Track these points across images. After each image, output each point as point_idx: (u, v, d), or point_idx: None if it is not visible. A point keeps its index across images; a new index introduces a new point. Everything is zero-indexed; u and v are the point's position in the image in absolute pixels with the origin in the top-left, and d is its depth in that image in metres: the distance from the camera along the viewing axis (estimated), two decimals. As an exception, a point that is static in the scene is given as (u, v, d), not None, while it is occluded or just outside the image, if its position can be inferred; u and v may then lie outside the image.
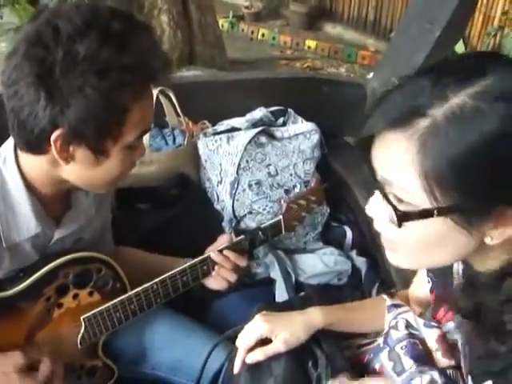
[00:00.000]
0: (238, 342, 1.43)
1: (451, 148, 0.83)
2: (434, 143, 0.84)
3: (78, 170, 1.40)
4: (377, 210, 1.00)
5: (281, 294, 2.20)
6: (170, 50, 5.28)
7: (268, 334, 1.40)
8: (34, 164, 1.42)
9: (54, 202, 1.53)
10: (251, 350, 1.40)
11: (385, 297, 1.49)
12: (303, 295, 2.11)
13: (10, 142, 1.47)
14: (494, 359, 0.98)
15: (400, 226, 0.92)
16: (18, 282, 1.50)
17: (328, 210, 2.48)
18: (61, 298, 1.56)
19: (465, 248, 0.95)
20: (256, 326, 1.42)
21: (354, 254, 2.42)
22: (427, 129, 0.85)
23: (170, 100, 2.42)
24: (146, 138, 2.29)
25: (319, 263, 2.32)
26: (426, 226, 0.91)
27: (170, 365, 1.88)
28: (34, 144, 1.35)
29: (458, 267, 1.19)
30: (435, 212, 0.88)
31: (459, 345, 1.19)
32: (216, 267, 1.75)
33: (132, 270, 1.68)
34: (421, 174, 0.86)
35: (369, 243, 2.26)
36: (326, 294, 2.20)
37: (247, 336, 1.42)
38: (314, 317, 1.44)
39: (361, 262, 2.36)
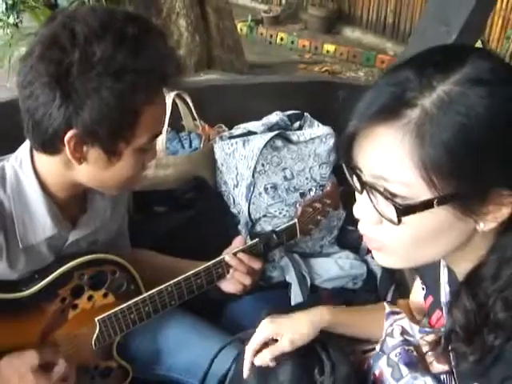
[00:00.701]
0: (246, 347, 1.44)
1: (444, 134, 0.83)
2: (427, 131, 0.84)
3: (90, 170, 1.41)
4: (365, 210, 0.97)
5: (296, 297, 2.20)
6: (188, 53, 5.30)
7: (273, 334, 1.41)
8: (49, 166, 1.44)
9: (69, 205, 1.55)
10: (258, 352, 1.42)
11: (384, 304, 1.51)
12: (313, 298, 2.12)
13: (25, 146, 1.49)
14: (477, 365, 1.00)
15: (399, 221, 0.90)
16: (33, 283, 1.51)
17: (344, 214, 2.48)
18: (76, 300, 1.57)
19: (459, 237, 0.95)
20: (261, 329, 1.44)
21: (369, 257, 2.42)
22: (419, 118, 0.85)
23: (186, 104, 2.44)
24: (162, 142, 2.31)
25: (334, 267, 2.32)
26: (423, 219, 0.90)
27: (184, 367, 1.88)
28: (49, 144, 1.37)
29: (444, 274, 1.21)
30: (435, 202, 0.87)
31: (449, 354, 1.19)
32: (231, 270, 1.76)
33: (147, 272, 1.69)
34: (417, 163, 0.86)
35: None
36: (341, 297, 2.19)
37: (253, 339, 1.43)
38: (319, 315, 1.45)
39: (376, 266, 2.36)
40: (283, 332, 1.41)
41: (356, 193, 1.01)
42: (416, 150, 0.86)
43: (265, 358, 1.40)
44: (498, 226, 0.93)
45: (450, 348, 1.08)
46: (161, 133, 1.48)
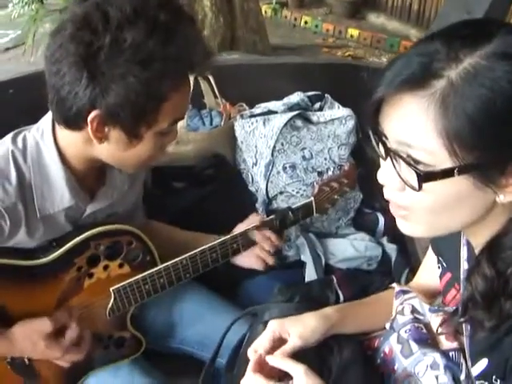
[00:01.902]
0: (252, 344, 1.37)
1: (468, 105, 0.85)
2: (452, 102, 0.86)
3: (110, 149, 1.43)
4: (388, 177, 1.00)
5: (310, 276, 2.21)
6: (212, 34, 5.28)
7: (279, 329, 1.36)
8: (70, 140, 1.46)
9: (88, 177, 1.57)
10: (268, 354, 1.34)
11: (394, 284, 1.52)
12: (323, 279, 2.12)
13: (48, 117, 1.50)
14: (492, 332, 1.03)
15: (420, 187, 0.92)
16: (50, 251, 1.53)
17: (361, 196, 2.48)
18: (92, 269, 1.59)
19: (479, 208, 0.96)
20: (267, 327, 1.38)
21: (385, 240, 2.42)
22: (444, 89, 0.87)
23: (208, 82, 2.44)
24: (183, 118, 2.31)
25: (350, 248, 2.32)
26: (444, 187, 0.92)
27: (197, 340, 1.91)
28: (72, 121, 1.39)
29: (464, 252, 1.22)
30: (456, 171, 0.89)
31: (462, 326, 1.19)
32: (257, 247, 1.78)
33: (161, 244, 1.70)
34: (441, 132, 0.87)
35: (400, 230, 2.25)
36: (355, 278, 2.19)
37: (260, 336, 1.37)
38: (326, 310, 1.44)
39: (391, 249, 2.36)
40: (290, 329, 1.36)
41: (380, 159, 1.03)
42: (440, 119, 0.87)
43: (277, 358, 1.30)
44: None
45: (466, 316, 1.10)
46: (183, 117, 1.49)
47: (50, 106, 1.41)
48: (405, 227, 1.06)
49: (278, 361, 1.27)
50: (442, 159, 0.90)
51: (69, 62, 1.29)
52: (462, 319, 1.13)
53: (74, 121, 1.38)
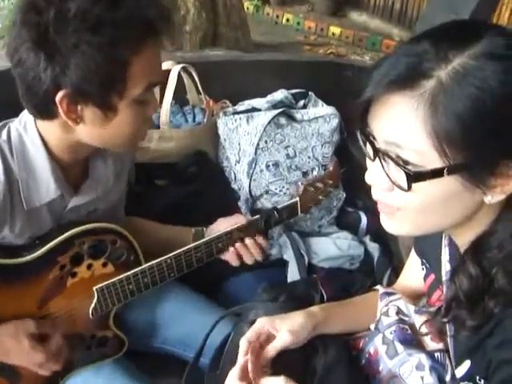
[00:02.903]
0: (241, 339, 1.36)
1: (457, 105, 0.85)
2: (441, 101, 0.86)
3: (89, 129, 1.40)
4: (377, 177, 1.00)
5: (293, 275, 2.21)
6: (194, 30, 5.25)
7: (268, 324, 1.36)
8: (49, 130, 1.44)
9: (72, 170, 1.55)
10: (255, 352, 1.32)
11: (378, 286, 1.52)
12: (308, 278, 2.12)
13: None
14: (474, 333, 1.04)
15: (409, 188, 0.92)
16: (34, 249, 1.51)
17: (344, 195, 2.49)
18: (75, 267, 1.57)
19: (467, 208, 0.97)
20: (255, 323, 1.38)
21: (367, 239, 2.43)
22: (434, 89, 0.87)
23: (191, 77, 2.43)
24: (165, 115, 2.30)
25: (332, 247, 2.32)
26: (433, 187, 0.92)
27: (180, 340, 1.90)
28: (43, 108, 1.36)
29: (445, 253, 1.23)
30: (446, 171, 0.89)
31: (446, 326, 1.20)
32: (238, 245, 1.77)
33: (142, 240, 1.69)
34: (430, 132, 0.88)
35: (383, 229, 2.26)
36: (337, 277, 2.20)
37: (249, 331, 1.37)
38: (312, 309, 1.44)
39: (374, 248, 2.37)
40: (279, 326, 1.36)
41: (367, 160, 1.03)
42: (429, 119, 0.87)
43: (270, 355, 1.32)
44: (505, 200, 0.95)
45: (449, 316, 1.10)
46: (158, 82, 1.46)
47: (22, 100, 1.39)
48: (390, 226, 1.06)
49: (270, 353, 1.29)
50: (431, 159, 0.90)
51: (26, 49, 1.27)
52: (445, 319, 1.13)
53: (44, 107, 1.35)
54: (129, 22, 1.27)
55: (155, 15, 1.32)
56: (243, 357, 1.28)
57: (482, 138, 0.87)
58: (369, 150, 1.01)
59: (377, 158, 0.98)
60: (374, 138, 0.98)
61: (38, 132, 1.45)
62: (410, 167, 0.92)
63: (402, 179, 0.94)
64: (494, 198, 0.94)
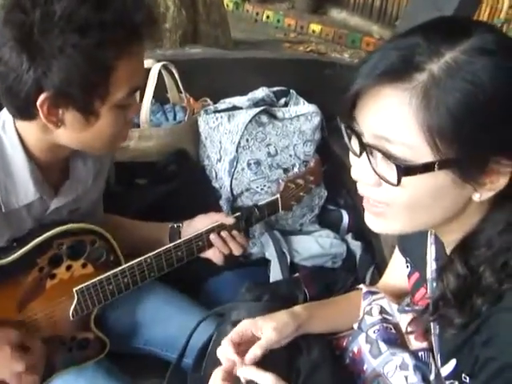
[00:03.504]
0: (223, 341, 1.34)
1: (449, 98, 0.86)
2: (433, 95, 0.86)
3: (69, 133, 1.38)
4: (363, 172, 0.98)
5: (275, 274, 2.20)
6: (174, 27, 5.24)
7: (251, 326, 1.34)
8: (28, 130, 1.41)
9: (52, 171, 1.52)
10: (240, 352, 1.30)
11: (361, 286, 1.52)
12: (292, 278, 2.11)
13: None
14: (461, 331, 1.04)
15: (399, 182, 0.91)
16: (11, 251, 1.49)
17: (326, 193, 2.48)
18: (54, 269, 1.55)
19: (454, 206, 0.97)
20: (239, 324, 1.36)
21: (349, 237, 2.42)
22: (426, 82, 0.87)
23: (172, 76, 2.41)
24: (146, 113, 2.28)
25: (315, 245, 2.32)
26: (423, 181, 0.91)
27: (163, 340, 1.88)
28: (23, 109, 1.34)
29: (431, 252, 1.23)
30: (436, 165, 0.89)
31: (431, 325, 1.20)
32: (214, 238, 1.76)
33: (118, 236, 1.67)
34: (422, 126, 0.87)
35: (365, 227, 2.26)
36: (320, 276, 2.20)
37: (232, 332, 1.34)
38: (295, 308, 1.43)
39: (356, 246, 2.37)
40: (263, 325, 1.34)
41: (352, 156, 1.02)
42: (421, 112, 0.87)
43: (256, 353, 1.28)
44: (493, 198, 0.95)
45: (436, 315, 1.11)
46: (140, 87, 1.45)
47: (2, 99, 1.36)
48: (379, 225, 1.04)
49: (247, 372, 1.24)
50: (422, 153, 0.89)
51: (8, 48, 1.24)
52: (431, 318, 1.13)
53: (25, 109, 1.33)
54: (115, 24, 1.25)
55: (142, 20, 1.30)
56: (226, 358, 1.27)
57: (473, 132, 0.87)
58: (354, 145, 1.00)
59: (363, 154, 0.97)
60: (360, 132, 0.97)
61: (16, 132, 1.42)
62: (398, 161, 0.91)
63: (390, 174, 0.93)
64: (482, 195, 0.94)
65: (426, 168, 0.89)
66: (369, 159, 0.96)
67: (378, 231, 1.06)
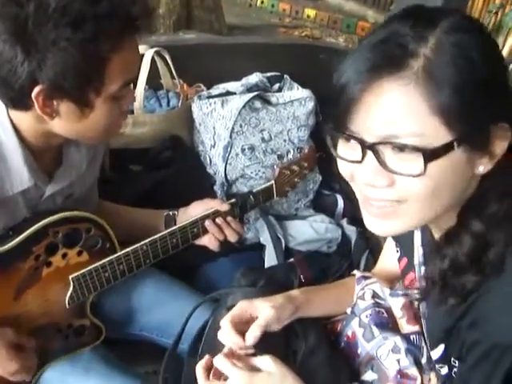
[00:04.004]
0: (221, 321, 1.36)
1: (448, 75, 0.88)
2: (434, 76, 0.88)
3: (64, 123, 1.38)
4: (372, 175, 0.95)
5: (270, 259, 2.21)
6: (168, 13, 5.23)
7: (248, 307, 1.36)
8: (23, 119, 1.41)
9: (46, 157, 1.52)
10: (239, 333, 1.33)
11: (355, 271, 1.53)
12: (287, 263, 2.12)
13: None
14: (448, 316, 1.05)
15: (425, 169, 0.89)
16: (7, 240, 1.49)
17: (320, 178, 2.48)
18: (50, 257, 1.55)
19: (465, 182, 0.97)
20: (236, 306, 1.38)
21: (344, 222, 2.43)
22: (424, 66, 0.89)
23: (165, 62, 2.40)
24: (139, 100, 2.28)
25: (309, 230, 2.32)
26: (444, 164, 0.91)
27: (158, 326, 1.89)
28: (17, 101, 1.34)
29: (418, 237, 1.24)
30: (455, 143, 0.90)
31: (421, 308, 1.21)
32: (209, 225, 1.76)
33: (113, 223, 1.67)
34: (434, 108, 0.88)
35: (360, 212, 2.27)
36: (315, 261, 2.20)
37: (229, 313, 1.36)
38: (292, 292, 1.44)
39: (351, 231, 2.37)
40: (260, 306, 1.35)
41: (347, 166, 1.00)
42: (429, 95, 0.88)
43: (254, 333, 1.30)
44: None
45: (425, 298, 1.13)
46: (135, 78, 1.45)
47: None
48: (386, 227, 1.01)
49: (244, 359, 1.27)
50: (437, 136, 0.89)
51: (2, 41, 1.24)
52: (420, 300, 1.14)
53: (19, 100, 1.33)
54: (111, 17, 1.25)
55: (138, 12, 1.31)
56: (227, 337, 1.30)
57: (477, 101, 0.90)
58: (351, 153, 0.97)
59: (367, 157, 0.94)
60: (361, 137, 0.94)
61: (9, 119, 1.41)
62: (405, 154, 0.90)
63: (407, 167, 0.91)
64: (486, 166, 0.95)
65: (448, 148, 0.90)
66: (378, 160, 0.93)
67: (383, 234, 1.06)
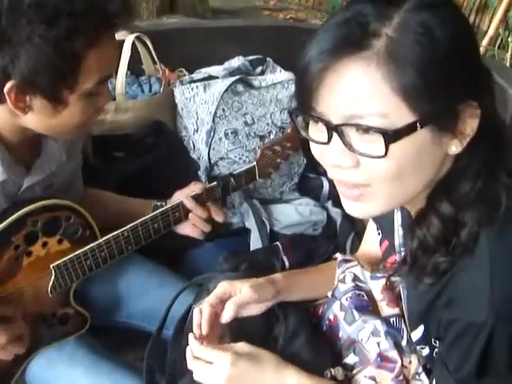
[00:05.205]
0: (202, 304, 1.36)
1: (411, 55, 0.87)
2: (397, 55, 0.87)
3: (37, 119, 1.38)
4: (339, 156, 0.95)
5: (255, 243, 2.21)
6: (151, -3, 5.19)
7: (229, 287, 1.35)
8: None
9: (22, 149, 1.51)
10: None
11: (337, 255, 1.52)
12: (270, 247, 2.11)
13: None
14: (426, 297, 1.06)
15: (387, 151, 0.89)
16: (-15, 231, 1.48)
17: (305, 161, 2.47)
18: (30, 246, 1.54)
19: (433, 166, 0.97)
20: (217, 287, 1.38)
21: (329, 204, 2.42)
22: (386, 46, 0.88)
23: (146, 47, 2.38)
24: (121, 86, 2.26)
25: (294, 213, 2.32)
26: (407, 145, 0.90)
27: (144, 313, 1.88)
28: None
29: (398, 218, 1.24)
30: (418, 123, 0.89)
31: (401, 290, 1.22)
32: (190, 215, 1.74)
33: (100, 211, 1.68)
34: (396, 89, 0.87)
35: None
36: (300, 244, 2.20)
37: (210, 296, 1.36)
38: (273, 276, 1.44)
39: (336, 213, 2.37)
40: (240, 286, 1.35)
41: (317, 147, 1.00)
42: (391, 75, 0.87)
43: (229, 312, 1.31)
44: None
45: (402, 276, 1.16)
46: (110, 76, 1.43)
47: None
48: (357, 209, 1.03)
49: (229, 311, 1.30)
50: (400, 117, 0.89)
51: None
52: (399, 282, 1.14)
53: None
54: (87, 13, 1.24)
55: (115, 9, 1.29)
56: (207, 321, 1.29)
57: (442, 81, 0.89)
58: (319, 134, 0.98)
59: (333, 138, 0.94)
60: (326, 117, 0.94)
61: None
62: (369, 134, 0.90)
63: (372, 148, 0.90)
64: (457, 147, 0.95)
65: (410, 129, 0.89)
66: (342, 141, 0.93)
67: (359, 216, 1.05)
